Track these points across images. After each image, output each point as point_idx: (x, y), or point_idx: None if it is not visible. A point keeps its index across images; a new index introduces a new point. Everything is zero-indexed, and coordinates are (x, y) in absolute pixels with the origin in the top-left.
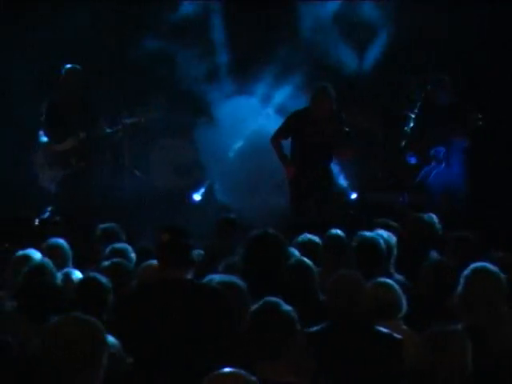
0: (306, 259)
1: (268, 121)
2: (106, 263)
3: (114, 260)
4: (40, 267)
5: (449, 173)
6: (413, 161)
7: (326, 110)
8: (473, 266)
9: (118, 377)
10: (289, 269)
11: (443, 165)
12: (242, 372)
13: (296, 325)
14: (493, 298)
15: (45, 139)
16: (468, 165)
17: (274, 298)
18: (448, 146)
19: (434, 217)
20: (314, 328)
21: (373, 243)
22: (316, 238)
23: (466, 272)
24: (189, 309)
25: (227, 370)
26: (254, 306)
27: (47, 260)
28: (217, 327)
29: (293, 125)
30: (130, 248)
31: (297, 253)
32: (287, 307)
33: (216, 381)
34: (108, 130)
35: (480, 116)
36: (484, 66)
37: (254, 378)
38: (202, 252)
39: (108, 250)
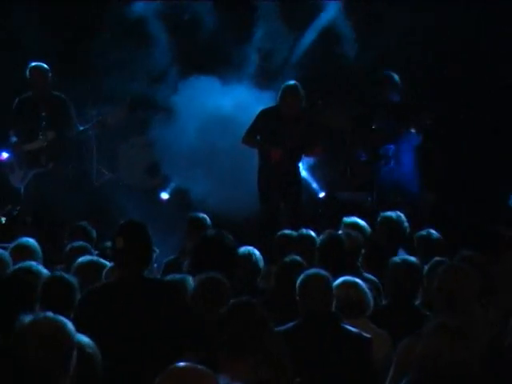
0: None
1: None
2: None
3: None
4: (27, 268)
5: (399, 171)
6: (363, 158)
7: (295, 109)
8: (446, 264)
9: (94, 377)
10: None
11: (392, 163)
12: (199, 366)
13: (268, 324)
14: (464, 294)
15: (14, 138)
16: (422, 164)
17: (246, 298)
18: (397, 145)
19: (402, 215)
20: (284, 326)
21: (338, 242)
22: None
23: (439, 270)
24: (147, 305)
25: (183, 363)
26: (227, 305)
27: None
28: (176, 321)
29: (262, 124)
30: (89, 246)
31: (257, 252)
32: (259, 307)
33: (173, 375)
34: (80, 128)
35: (430, 115)
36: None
37: (210, 371)
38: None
39: (68, 248)
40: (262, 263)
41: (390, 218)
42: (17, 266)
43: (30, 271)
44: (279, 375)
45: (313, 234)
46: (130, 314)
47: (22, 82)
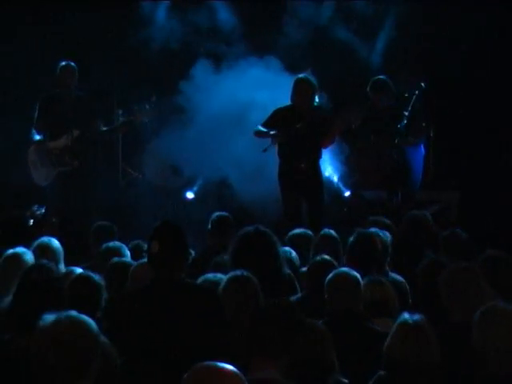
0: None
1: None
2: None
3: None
4: (42, 266)
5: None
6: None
7: (309, 101)
8: (449, 267)
9: (110, 377)
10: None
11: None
12: (225, 365)
13: (303, 324)
14: (476, 293)
15: (37, 136)
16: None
17: (285, 299)
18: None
19: (428, 214)
20: None
21: (370, 240)
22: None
23: (443, 273)
24: (183, 308)
25: (209, 362)
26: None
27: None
28: (210, 326)
29: (275, 120)
30: (124, 246)
31: (287, 250)
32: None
33: (199, 373)
34: (103, 129)
35: (425, 124)
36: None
37: (236, 370)
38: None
39: (102, 248)
40: (298, 263)
41: (415, 218)
42: (31, 265)
43: (44, 269)
44: (314, 374)
45: (333, 233)
46: (164, 317)
47: (43, 81)
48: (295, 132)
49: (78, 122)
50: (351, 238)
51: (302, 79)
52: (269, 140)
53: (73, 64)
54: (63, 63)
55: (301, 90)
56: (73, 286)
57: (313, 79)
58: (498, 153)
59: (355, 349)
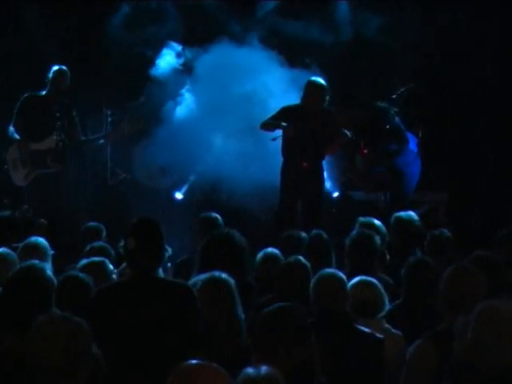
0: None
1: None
2: (84, 261)
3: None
4: (31, 265)
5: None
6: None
7: (317, 104)
8: (453, 265)
9: (98, 378)
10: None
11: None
12: (211, 364)
13: (307, 329)
14: (472, 297)
15: (16, 135)
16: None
17: (288, 303)
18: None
19: (415, 215)
20: None
21: (372, 241)
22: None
23: (446, 272)
24: (158, 305)
25: (195, 361)
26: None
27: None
28: (186, 322)
29: (283, 116)
30: (109, 246)
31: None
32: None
33: (185, 373)
34: (82, 138)
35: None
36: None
37: (222, 369)
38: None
39: (87, 248)
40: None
41: (401, 219)
42: (20, 266)
43: (33, 270)
44: (298, 377)
45: (324, 235)
46: (139, 314)
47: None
48: (305, 128)
49: (63, 126)
50: (352, 237)
51: (314, 82)
52: (272, 134)
53: (65, 68)
54: (58, 67)
55: (313, 93)
56: (62, 286)
57: (324, 83)
58: (486, 154)
59: (340, 348)
